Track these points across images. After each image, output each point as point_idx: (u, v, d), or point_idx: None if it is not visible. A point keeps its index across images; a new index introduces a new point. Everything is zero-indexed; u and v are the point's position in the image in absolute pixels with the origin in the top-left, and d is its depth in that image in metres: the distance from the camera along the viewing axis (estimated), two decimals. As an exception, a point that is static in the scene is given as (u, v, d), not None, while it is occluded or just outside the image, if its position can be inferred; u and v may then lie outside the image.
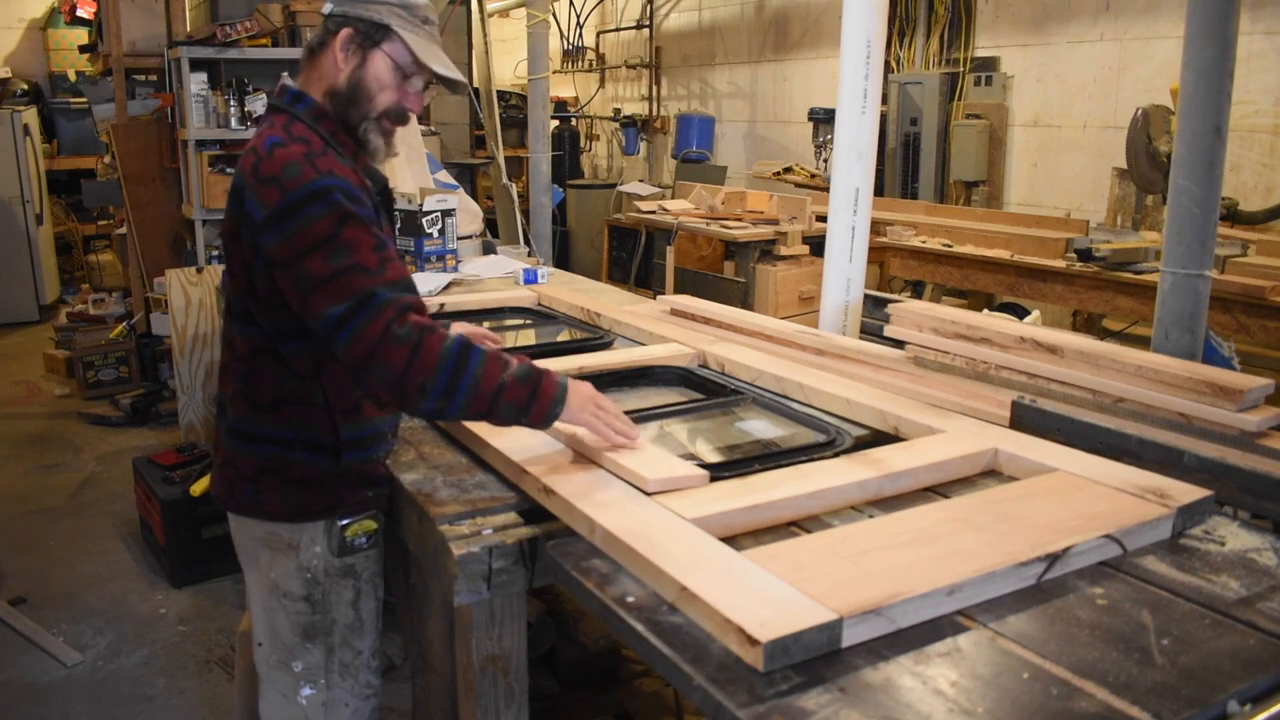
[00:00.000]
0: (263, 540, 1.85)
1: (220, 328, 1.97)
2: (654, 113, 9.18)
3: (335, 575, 1.84)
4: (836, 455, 1.81)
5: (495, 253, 4.23)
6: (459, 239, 3.86)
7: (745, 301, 5.16)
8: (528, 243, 5.65)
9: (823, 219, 3.84)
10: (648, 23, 9.12)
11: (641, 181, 7.87)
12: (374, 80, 1.77)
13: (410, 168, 4.11)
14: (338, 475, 1.82)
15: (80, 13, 9.08)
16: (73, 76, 9.38)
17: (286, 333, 1.75)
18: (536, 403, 1.65)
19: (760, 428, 2.09)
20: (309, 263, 1.62)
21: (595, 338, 2.74)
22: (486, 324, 3.12)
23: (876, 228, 4.98)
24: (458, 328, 2.34)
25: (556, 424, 1.70)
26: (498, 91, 6.50)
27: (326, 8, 1.79)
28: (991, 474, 1.81)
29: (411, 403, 1.64)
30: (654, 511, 1.53)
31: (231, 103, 5.30)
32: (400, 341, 1.59)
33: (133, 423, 5.57)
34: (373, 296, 1.60)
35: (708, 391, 2.28)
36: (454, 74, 1.83)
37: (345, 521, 1.82)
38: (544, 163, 6.11)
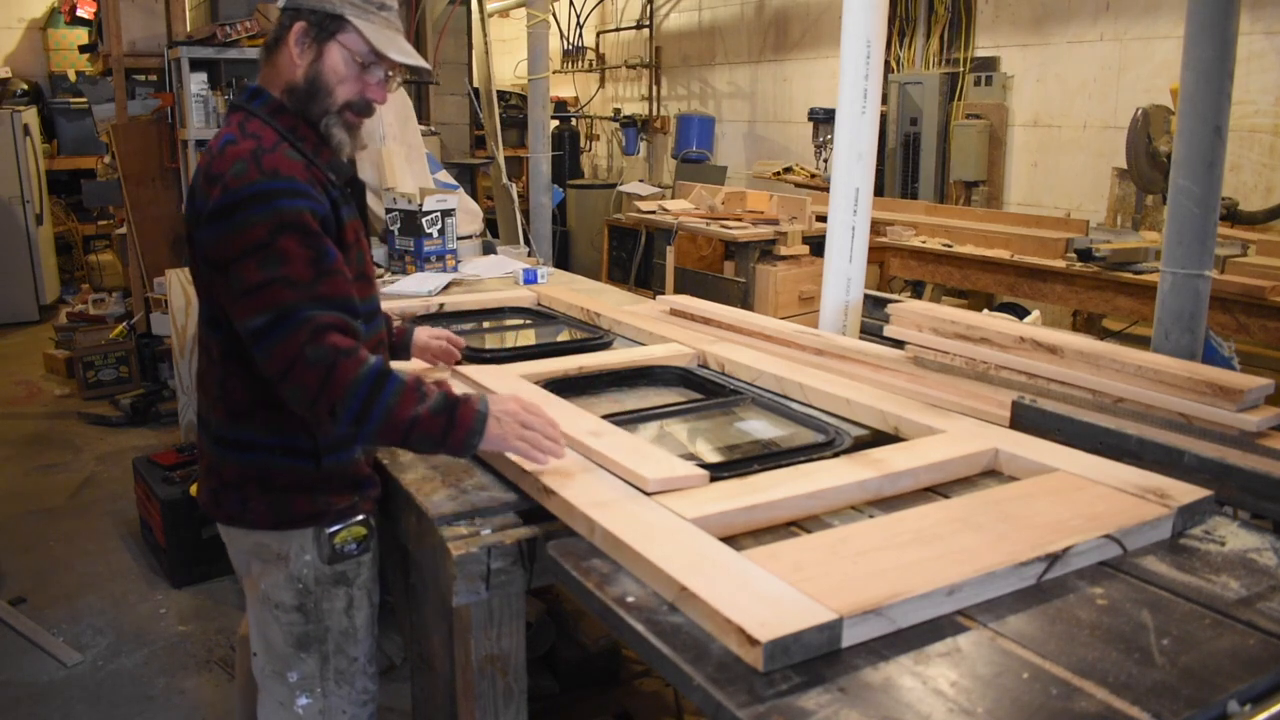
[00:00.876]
0: (252, 551, 1.82)
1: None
2: (654, 113, 9.18)
3: (327, 583, 1.81)
4: (836, 455, 1.81)
5: (495, 253, 4.23)
6: (459, 239, 3.86)
7: (745, 301, 5.15)
8: (528, 243, 5.65)
9: (823, 219, 3.84)
10: (648, 23, 9.12)
11: (641, 181, 7.87)
12: (331, 73, 1.73)
13: (410, 168, 4.11)
14: (321, 480, 1.78)
15: (80, 13, 9.09)
16: (73, 76, 9.38)
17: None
18: (452, 434, 1.63)
19: (760, 428, 2.09)
20: (240, 268, 1.60)
21: (595, 338, 2.74)
22: (486, 324, 3.14)
23: (876, 228, 4.98)
24: (421, 333, 2.29)
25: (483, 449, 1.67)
26: (498, 91, 6.50)
27: (281, 0, 1.76)
28: (992, 474, 1.81)
29: (323, 425, 1.65)
30: (654, 511, 1.53)
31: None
32: (312, 364, 1.57)
33: (133, 423, 5.57)
34: (293, 313, 1.58)
35: (707, 391, 2.28)
36: (414, 60, 1.78)
37: (334, 529, 1.79)
38: (544, 163, 6.10)
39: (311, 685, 1.83)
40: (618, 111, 9.52)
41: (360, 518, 1.82)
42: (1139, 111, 4.39)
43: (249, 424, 1.76)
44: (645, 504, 1.56)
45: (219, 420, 1.80)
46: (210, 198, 1.64)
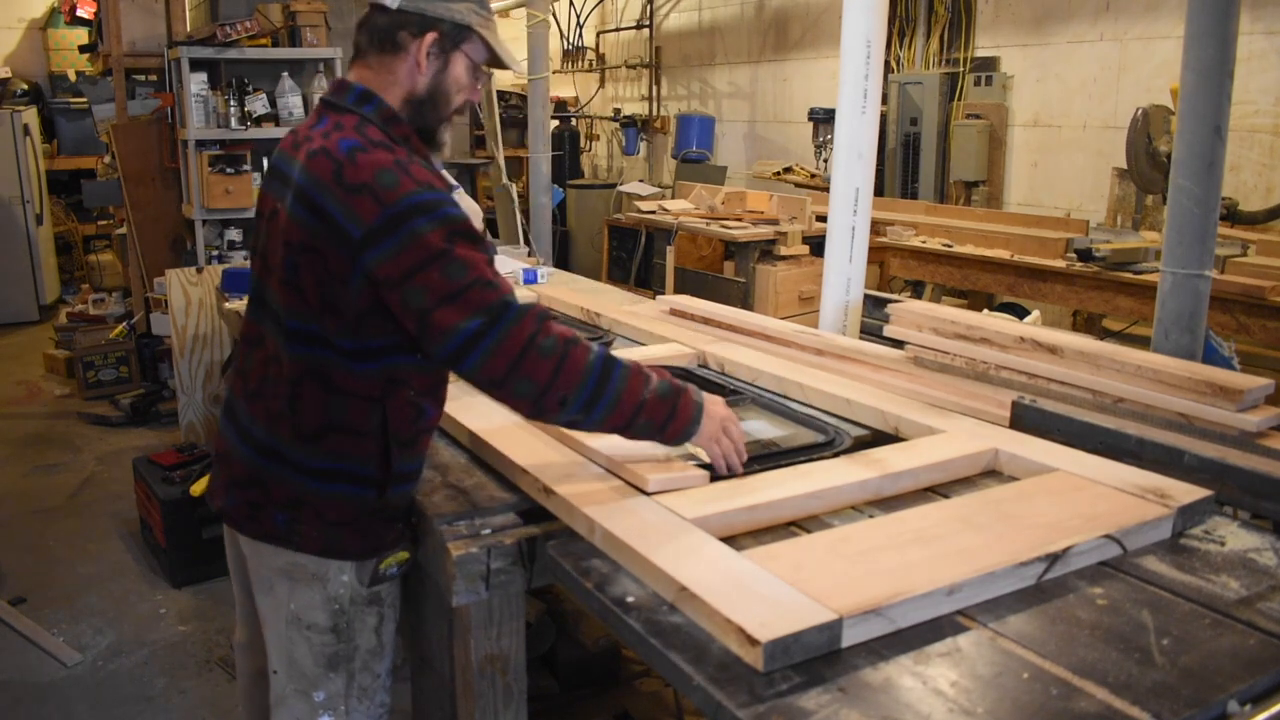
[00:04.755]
0: (283, 570, 1.71)
1: (239, 333, 1.83)
2: (654, 113, 9.17)
3: (361, 604, 1.74)
4: (836, 455, 1.81)
5: (495, 253, 4.22)
6: (459, 239, 3.85)
7: (745, 301, 5.15)
8: (528, 243, 5.65)
9: (823, 219, 3.84)
10: (648, 23, 9.12)
11: (641, 181, 7.87)
12: (454, 83, 1.71)
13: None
14: (378, 510, 1.69)
15: (80, 13, 9.08)
16: (73, 76, 9.37)
17: (365, 352, 1.62)
18: (673, 423, 1.64)
19: (760, 428, 2.09)
20: (426, 278, 1.51)
21: (595, 338, 2.73)
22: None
23: (876, 228, 4.98)
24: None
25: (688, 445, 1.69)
26: (498, 91, 6.51)
27: (393, 1, 1.67)
28: (992, 474, 1.81)
29: (549, 415, 1.61)
30: (654, 511, 1.53)
31: (231, 103, 5.30)
32: (546, 353, 1.53)
33: (133, 423, 5.57)
34: (508, 307, 1.53)
35: (707, 391, 2.27)
36: (519, 63, 1.82)
37: (378, 557, 1.72)
38: (544, 163, 6.11)
39: (336, 704, 1.77)
40: (618, 111, 9.52)
41: (404, 543, 1.76)
42: (1139, 111, 4.39)
43: (315, 448, 1.66)
44: (645, 504, 1.56)
45: (278, 437, 1.68)
46: (359, 212, 1.53)
